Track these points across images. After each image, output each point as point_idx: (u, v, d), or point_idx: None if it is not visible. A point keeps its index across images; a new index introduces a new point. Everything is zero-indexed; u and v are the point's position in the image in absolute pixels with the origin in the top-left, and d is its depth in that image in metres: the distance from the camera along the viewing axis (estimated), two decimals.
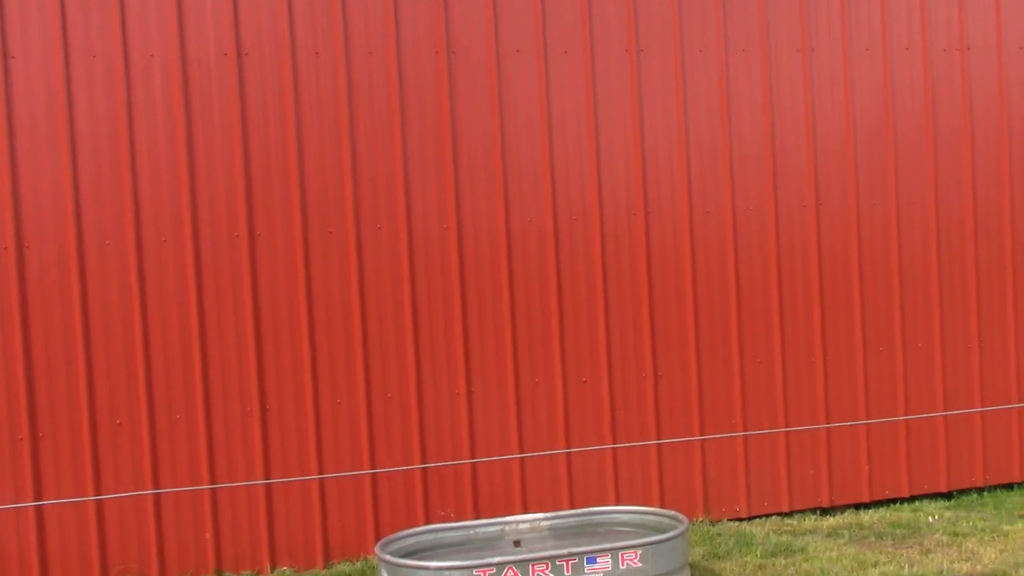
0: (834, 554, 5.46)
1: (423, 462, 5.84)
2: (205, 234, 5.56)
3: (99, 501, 5.37)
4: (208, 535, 5.52)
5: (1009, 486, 7.00)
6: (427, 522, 5.73)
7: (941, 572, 5.06)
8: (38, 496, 5.29)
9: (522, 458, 6.00)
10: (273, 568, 5.61)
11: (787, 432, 6.45)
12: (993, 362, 6.89)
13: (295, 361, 5.67)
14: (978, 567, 5.12)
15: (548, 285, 6.08)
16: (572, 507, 5.98)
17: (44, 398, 5.32)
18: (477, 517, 5.79)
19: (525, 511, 5.88)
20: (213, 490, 5.52)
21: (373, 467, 5.77)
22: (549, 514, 5.42)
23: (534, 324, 6.05)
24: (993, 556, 5.33)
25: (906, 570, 5.07)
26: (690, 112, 6.34)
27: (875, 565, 5.21)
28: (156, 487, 5.46)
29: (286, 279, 5.66)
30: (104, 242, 5.41)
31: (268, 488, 5.61)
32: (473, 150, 5.98)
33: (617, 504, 5.97)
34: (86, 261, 5.38)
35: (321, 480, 5.68)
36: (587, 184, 6.17)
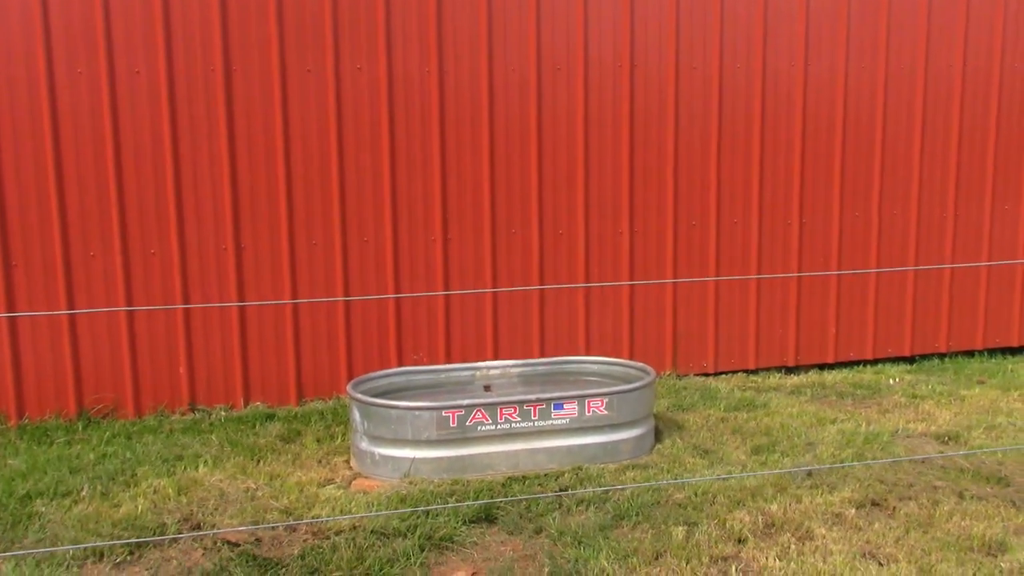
0: (795, 410, 5.60)
1: (397, 291, 5.89)
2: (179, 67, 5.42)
3: (73, 331, 5.39)
4: (182, 369, 5.57)
5: (970, 353, 7.17)
6: (400, 366, 5.80)
7: (897, 431, 5.20)
8: (11, 309, 5.30)
9: (495, 305, 6.05)
10: (247, 403, 5.70)
11: (759, 282, 6.50)
12: (967, 227, 6.95)
13: (271, 198, 5.61)
14: (933, 427, 5.26)
15: (528, 135, 6.00)
16: (543, 357, 6.07)
17: (16, 224, 5.28)
18: (449, 362, 5.88)
19: (497, 359, 5.97)
20: (187, 325, 5.55)
21: (348, 307, 5.80)
22: (519, 361, 5.50)
23: (513, 176, 6.00)
24: (948, 418, 5.49)
25: (863, 428, 5.21)
26: None
27: (833, 422, 5.35)
28: (130, 318, 5.47)
29: (263, 114, 5.56)
30: (76, 71, 5.26)
31: (242, 322, 5.64)
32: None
33: (587, 355, 6.07)
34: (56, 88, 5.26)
35: (295, 315, 5.71)
36: (573, 39, 6.02)
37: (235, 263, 5.58)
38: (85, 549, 3.55)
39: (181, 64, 5.40)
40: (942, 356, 7.08)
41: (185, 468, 4.53)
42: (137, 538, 3.65)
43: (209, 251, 5.55)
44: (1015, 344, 7.22)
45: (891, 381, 6.44)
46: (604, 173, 6.18)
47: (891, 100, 6.66)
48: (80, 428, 5.26)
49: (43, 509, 4.00)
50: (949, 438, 5.09)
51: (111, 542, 3.60)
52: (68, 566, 3.45)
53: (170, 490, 4.21)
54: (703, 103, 6.31)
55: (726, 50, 6.30)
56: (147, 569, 3.48)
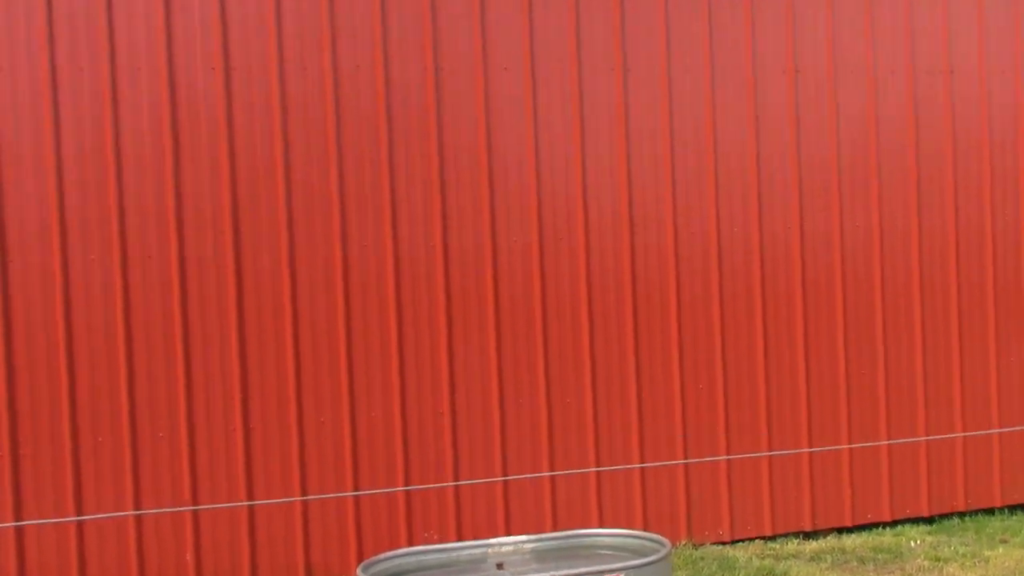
0: None
1: (406, 484, 5.81)
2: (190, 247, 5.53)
3: (80, 522, 5.31)
4: (189, 556, 5.47)
5: (990, 511, 7.03)
6: (410, 545, 5.69)
7: None
8: (18, 516, 5.22)
9: (505, 481, 5.98)
10: None
11: (770, 456, 6.45)
12: (974, 387, 6.93)
13: (279, 378, 5.63)
14: None
15: (533, 304, 6.07)
16: (556, 530, 5.95)
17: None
18: (460, 540, 5.77)
19: (509, 534, 5.86)
20: (194, 512, 5.47)
21: (356, 487, 5.74)
22: (532, 536, 5.38)
23: (519, 345, 6.04)
24: None
25: None
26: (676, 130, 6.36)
27: None
28: (137, 507, 5.40)
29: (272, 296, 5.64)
30: (89, 257, 5.37)
31: (250, 509, 5.56)
32: (460, 167, 5.98)
33: (600, 527, 5.95)
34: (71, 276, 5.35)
35: (304, 499, 5.64)
36: (572, 200, 6.16)
37: (243, 443, 5.56)
38: None
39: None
40: (962, 515, 6.94)
41: None
42: None
43: (219, 432, 5.53)
44: None
45: (912, 543, 6.30)
46: (610, 342, 6.21)
47: (887, 257, 6.75)
48: None
49: None
50: None
51: None
52: None
53: None
54: (703, 265, 6.39)
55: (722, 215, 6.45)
56: None
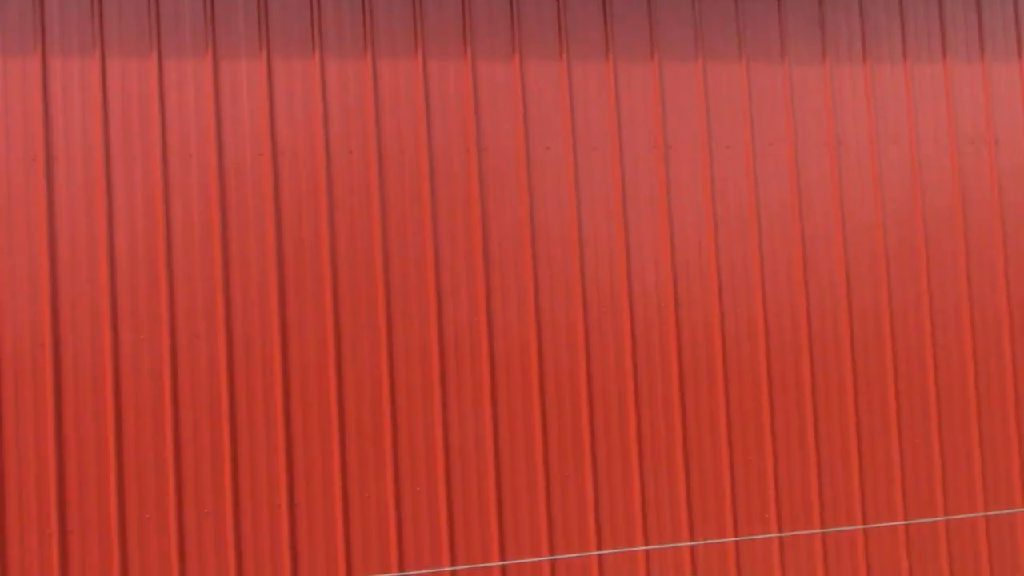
0: None
1: (453, 558, 5.78)
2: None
3: None
4: None
5: None
6: None
7: None
8: None
9: (553, 564, 5.92)
10: None
11: (823, 536, 6.32)
12: None
13: (324, 456, 5.66)
14: None
15: (578, 384, 6.07)
16: None
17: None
18: None
19: None
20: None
21: (401, 553, 5.72)
22: None
23: (565, 426, 6.03)
24: None
25: None
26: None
27: None
28: (182, 567, 5.45)
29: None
30: (139, 337, 5.48)
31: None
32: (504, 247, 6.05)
33: None
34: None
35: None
36: (617, 281, 6.18)
37: (288, 519, 5.57)
38: None
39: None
40: None
41: None
42: None
43: (263, 511, 5.55)
44: None
45: None
46: (658, 436, 6.18)
47: (939, 337, 6.67)
48: None
49: None
50: None
51: None
52: None
53: None
54: (751, 356, 6.36)
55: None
56: None
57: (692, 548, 6.13)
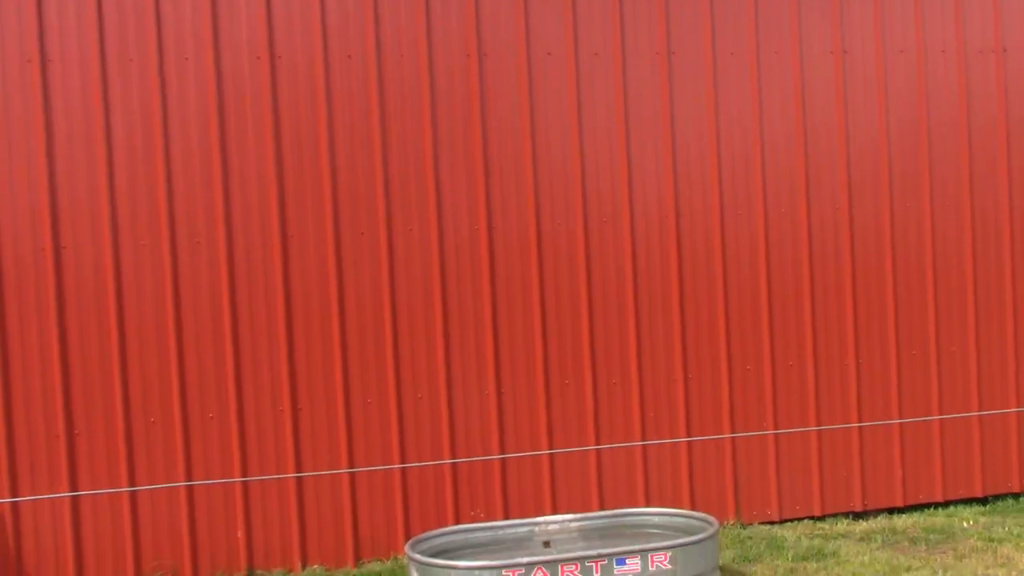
0: (866, 558, 5.41)
1: (453, 452, 5.87)
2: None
3: (134, 500, 5.43)
4: (240, 533, 5.56)
5: None
6: (457, 523, 5.73)
7: None
8: (74, 487, 5.35)
9: (552, 461, 6.00)
10: (304, 566, 5.65)
11: (819, 433, 6.39)
12: None
13: (326, 361, 5.71)
14: (1014, 572, 5.06)
15: (578, 287, 6.08)
16: (602, 509, 5.96)
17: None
18: (507, 518, 5.80)
19: (555, 513, 5.87)
20: (245, 487, 5.56)
21: (403, 456, 5.80)
22: (579, 515, 5.42)
23: (564, 326, 6.06)
24: None
25: (940, 575, 5.01)
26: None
27: (908, 570, 5.16)
28: (188, 473, 5.51)
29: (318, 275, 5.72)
30: (140, 243, 5.48)
31: (299, 486, 5.64)
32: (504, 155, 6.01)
33: (647, 506, 5.95)
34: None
35: (352, 478, 5.70)
36: (618, 191, 6.16)
37: (292, 424, 5.64)
38: None
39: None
40: (1016, 496, 6.82)
41: None
42: None
43: (266, 412, 5.62)
44: None
45: (965, 524, 6.21)
46: (656, 325, 6.21)
47: (938, 235, 6.66)
48: None
49: None
50: None
51: None
52: None
53: None
54: (750, 249, 6.37)
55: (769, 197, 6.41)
56: None
57: (689, 443, 6.22)
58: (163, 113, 5.50)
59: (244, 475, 5.58)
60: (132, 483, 5.43)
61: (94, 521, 5.38)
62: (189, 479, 5.50)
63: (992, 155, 6.77)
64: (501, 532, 5.27)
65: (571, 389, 6.05)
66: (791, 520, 6.39)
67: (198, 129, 5.56)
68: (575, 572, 4.45)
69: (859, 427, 6.48)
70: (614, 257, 6.16)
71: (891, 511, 6.58)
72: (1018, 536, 5.82)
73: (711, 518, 5.02)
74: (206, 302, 5.56)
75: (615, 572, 4.49)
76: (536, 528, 5.29)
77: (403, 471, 5.79)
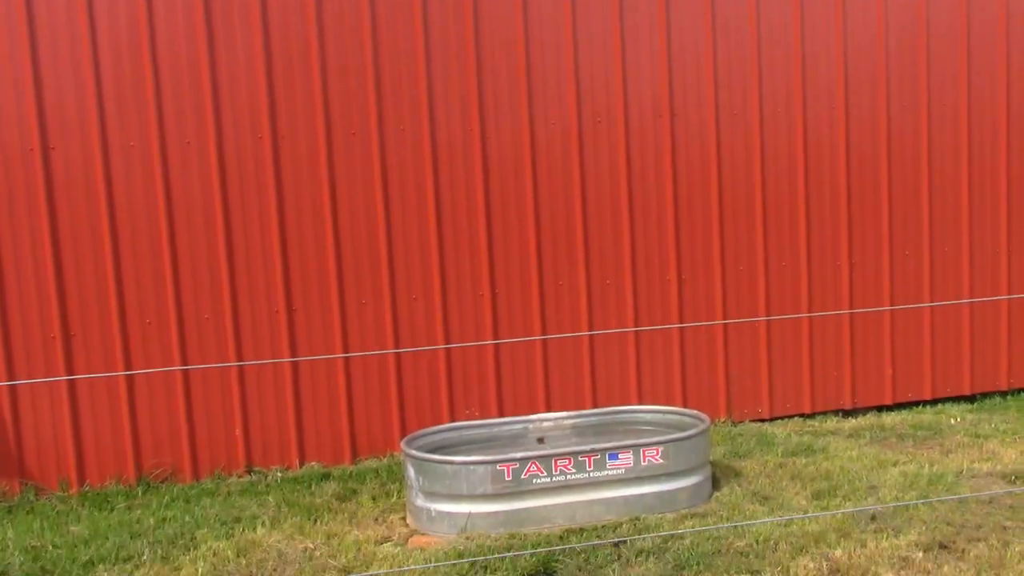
0: (854, 453, 5.51)
1: (447, 358, 5.91)
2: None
3: (132, 400, 5.48)
4: (238, 432, 5.63)
5: None
6: (452, 421, 5.81)
7: (961, 471, 5.09)
8: (71, 387, 5.39)
9: (545, 354, 6.05)
10: (302, 464, 5.74)
11: (811, 329, 6.44)
12: (1021, 259, 6.85)
13: (320, 259, 5.70)
14: (999, 467, 5.14)
15: (572, 187, 6.05)
16: (595, 408, 6.04)
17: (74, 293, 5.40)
18: (501, 416, 5.87)
19: (549, 411, 5.95)
20: (242, 387, 5.61)
21: (399, 365, 5.84)
22: (572, 413, 5.48)
23: (558, 228, 6.04)
24: (1014, 456, 5.36)
25: (926, 469, 5.10)
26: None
27: (895, 464, 5.25)
28: (186, 382, 5.56)
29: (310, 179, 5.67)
30: (128, 143, 5.41)
31: (296, 384, 5.70)
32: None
33: (640, 404, 6.03)
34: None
35: (348, 376, 5.75)
36: (612, 88, 6.08)
37: (287, 323, 5.66)
38: None
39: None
40: (1004, 394, 6.93)
41: (243, 530, 4.55)
42: None
43: (261, 312, 5.63)
44: None
45: (952, 421, 6.31)
46: (649, 223, 6.20)
47: (935, 136, 6.62)
48: (140, 493, 5.32)
49: (105, 574, 4.04)
50: (1016, 477, 4.96)
51: None
52: None
53: (229, 552, 4.22)
54: (744, 149, 6.32)
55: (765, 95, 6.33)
56: None
57: (681, 330, 6.27)
58: (148, 10, 5.37)
59: (240, 372, 5.61)
60: (129, 381, 5.46)
61: (93, 420, 5.43)
62: (186, 376, 5.54)
63: (991, 52, 6.68)
64: (496, 429, 5.34)
65: (565, 290, 6.06)
66: (781, 418, 6.49)
67: (185, 28, 5.44)
68: (568, 467, 4.53)
69: (850, 315, 6.52)
70: (608, 158, 6.11)
71: (880, 409, 6.68)
72: (1004, 432, 5.92)
73: (702, 415, 5.08)
74: (198, 203, 5.51)
75: (608, 466, 4.56)
76: (530, 425, 5.36)
77: (398, 365, 5.83)
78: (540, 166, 6.00)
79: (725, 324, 6.33)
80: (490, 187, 5.92)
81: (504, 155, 5.93)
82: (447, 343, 5.91)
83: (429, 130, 5.80)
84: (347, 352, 5.78)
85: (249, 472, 5.66)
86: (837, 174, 6.47)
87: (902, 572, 3.74)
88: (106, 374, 5.41)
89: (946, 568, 3.75)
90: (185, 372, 5.55)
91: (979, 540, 4.03)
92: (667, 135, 6.18)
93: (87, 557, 4.22)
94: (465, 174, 5.88)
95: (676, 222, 6.23)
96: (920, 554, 3.90)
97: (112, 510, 5.03)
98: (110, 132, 5.38)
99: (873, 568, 3.76)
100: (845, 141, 6.46)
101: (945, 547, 3.98)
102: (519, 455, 4.52)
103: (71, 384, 5.39)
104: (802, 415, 6.53)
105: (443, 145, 5.83)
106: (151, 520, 4.77)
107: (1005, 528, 4.16)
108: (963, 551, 3.93)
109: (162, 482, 5.51)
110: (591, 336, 6.11)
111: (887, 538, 4.06)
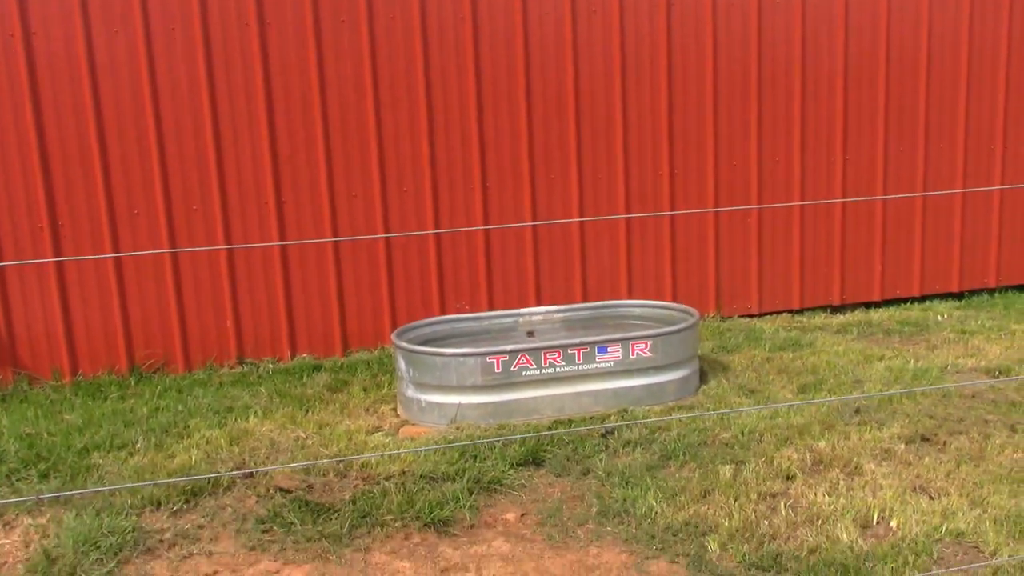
0: (841, 348, 5.56)
1: (437, 247, 5.90)
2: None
3: (122, 290, 5.46)
4: (229, 323, 5.64)
5: (1021, 288, 7.05)
6: (443, 315, 5.82)
7: (946, 366, 5.15)
8: (60, 275, 5.38)
9: (536, 254, 6.04)
10: (294, 356, 5.77)
11: (802, 218, 6.43)
12: (1017, 156, 6.81)
13: (310, 151, 5.63)
14: (983, 362, 5.20)
15: (565, 79, 5.94)
16: (586, 302, 6.05)
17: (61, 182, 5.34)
18: (492, 310, 5.89)
19: (539, 306, 5.97)
20: (232, 279, 5.60)
21: (390, 257, 5.83)
22: (562, 307, 5.50)
23: (551, 119, 5.96)
24: (998, 352, 5.42)
25: (911, 364, 5.16)
26: None
27: (881, 359, 5.30)
28: (176, 273, 5.55)
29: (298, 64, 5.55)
30: (112, 30, 5.28)
31: (286, 275, 5.69)
32: None
33: (630, 299, 6.05)
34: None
35: (338, 270, 5.74)
36: None
37: (276, 215, 5.61)
38: (142, 498, 3.63)
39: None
40: (991, 291, 6.97)
41: (236, 419, 4.61)
42: (193, 487, 3.72)
43: (251, 206, 5.58)
44: None
45: (939, 317, 6.36)
46: (643, 113, 6.11)
47: (935, 27, 6.49)
48: (132, 383, 5.36)
49: (100, 461, 4.10)
50: (1000, 372, 5.03)
51: (168, 480, 3.68)
52: (127, 514, 3.53)
53: (222, 441, 4.28)
54: (742, 32, 6.19)
55: None
56: (203, 516, 3.55)
57: (672, 225, 6.25)
58: None
59: (230, 265, 5.59)
60: (118, 270, 5.44)
61: (84, 311, 5.43)
62: (176, 266, 5.52)
63: None
64: (486, 322, 5.36)
65: (558, 183, 6.01)
66: (770, 313, 6.53)
67: None
68: (558, 359, 4.56)
69: (842, 212, 6.50)
70: (602, 48, 5.98)
71: (868, 305, 6.73)
72: (990, 329, 5.97)
73: (691, 310, 5.10)
74: (184, 89, 5.40)
75: (597, 359, 4.60)
76: (520, 319, 5.38)
77: (389, 258, 5.82)
78: (533, 58, 5.87)
79: (717, 220, 6.30)
80: (482, 77, 5.81)
81: (496, 42, 5.80)
82: (437, 236, 5.88)
83: (419, 15, 5.65)
84: (337, 247, 5.75)
85: (241, 363, 5.69)
86: (835, 64, 6.36)
87: (884, 463, 3.81)
88: (95, 256, 5.38)
89: (927, 460, 3.83)
90: (175, 263, 5.53)
91: (960, 433, 4.10)
92: (663, 29, 6.04)
93: (81, 444, 4.27)
94: (456, 64, 5.76)
95: (670, 113, 6.14)
96: (902, 446, 3.97)
97: (105, 399, 5.07)
98: (92, 17, 5.23)
99: (855, 459, 3.83)
100: (844, 31, 6.32)
101: (927, 439, 4.05)
102: (509, 347, 4.55)
103: (60, 274, 5.37)
104: (791, 311, 6.57)
105: (433, 32, 5.69)
106: (144, 409, 4.82)
107: (986, 422, 4.23)
108: (944, 443, 4.00)
109: (154, 372, 5.55)
110: (582, 231, 6.08)
111: (870, 430, 4.13)
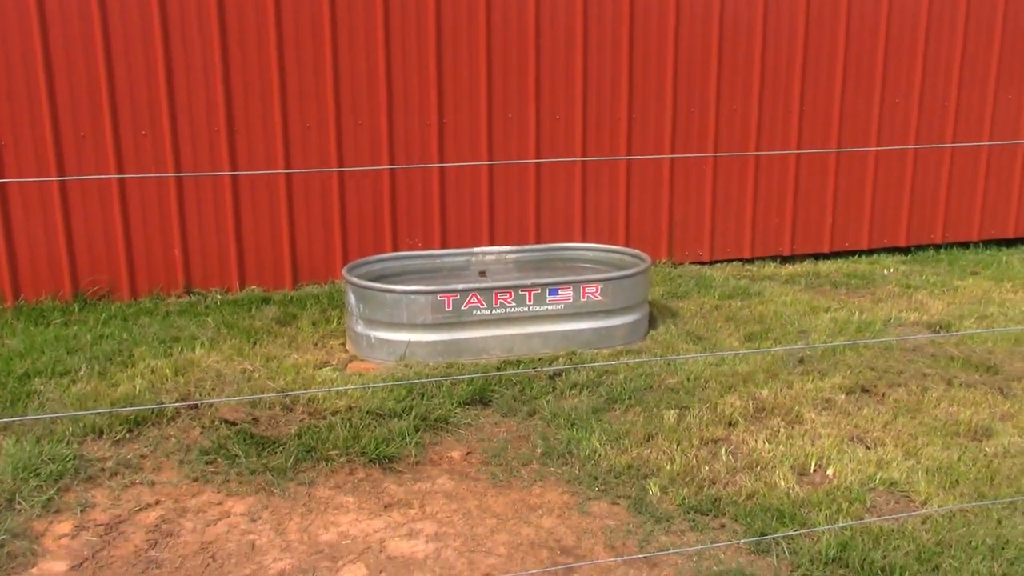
0: (788, 299, 5.63)
1: (392, 186, 5.84)
2: None
3: (66, 211, 5.34)
4: (177, 252, 5.56)
5: (966, 245, 7.18)
6: (395, 251, 5.79)
7: (889, 320, 5.23)
8: (3, 200, 5.25)
9: (491, 194, 6.01)
10: (242, 287, 5.71)
11: (756, 168, 6.46)
12: (969, 115, 6.88)
13: (264, 82, 5.51)
14: (925, 317, 5.30)
15: (526, 15, 5.86)
16: (539, 244, 6.05)
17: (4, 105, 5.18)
18: (445, 248, 5.86)
19: (492, 245, 5.95)
20: (180, 206, 5.50)
21: (343, 191, 5.76)
22: (515, 247, 5.49)
23: (510, 56, 5.89)
24: (941, 308, 5.52)
25: (855, 317, 5.24)
26: None
27: (827, 310, 5.38)
28: (123, 199, 5.43)
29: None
30: None
31: (236, 204, 5.60)
32: None
33: (583, 243, 6.05)
34: None
35: (290, 201, 5.66)
36: None
37: (227, 144, 5.50)
38: (84, 426, 3.59)
39: None
40: (937, 247, 7.09)
41: (182, 350, 4.56)
42: (136, 416, 3.69)
43: (202, 132, 5.47)
44: (1010, 236, 7.23)
45: (885, 271, 6.46)
46: (603, 58, 6.06)
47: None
48: (76, 310, 5.28)
49: (42, 388, 4.04)
50: (941, 327, 5.13)
51: (111, 410, 3.65)
52: (68, 442, 3.50)
53: (167, 371, 4.24)
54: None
55: None
56: (146, 446, 3.53)
57: (628, 171, 6.25)
58: None
59: (179, 192, 5.49)
60: (63, 194, 5.31)
61: (27, 234, 5.30)
62: (123, 192, 5.41)
63: None
64: (438, 260, 5.34)
65: (514, 123, 5.96)
66: (721, 261, 6.59)
67: None
68: (509, 300, 4.56)
69: (796, 162, 6.54)
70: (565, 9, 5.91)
71: (817, 257, 6.81)
72: (933, 284, 6.08)
73: (643, 255, 5.12)
74: (135, 14, 5.24)
75: (548, 301, 4.61)
76: (473, 258, 5.37)
77: (341, 192, 5.75)
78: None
79: (672, 167, 6.30)
80: (441, 10, 5.71)
81: None
82: (391, 149, 5.79)
83: None
84: (290, 177, 5.67)
85: (188, 293, 5.62)
86: (796, 19, 6.34)
87: (824, 413, 3.89)
88: (37, 179, 5.24)
89: (865, 410, 3.91)
90: (122, 188, 5.41)
91: (899, 385, 4.19)
92: None
93: (22, 370, 4.20)
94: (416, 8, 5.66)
95: (630, 60, 6.10)
96: (843, 396, 4.05)
97: (48, 325, 4.99)
98: None
99: (796, 408, 3.90)
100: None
101: (867, 391, 4.14)
102: (460, 286, 4.54)
103: (3, 196, 5.23)
104: (741, 259, 6.63)
105: None
106: (88, 336, 4.75)
107: (925, 375, 4.32)
108: (883, 395, 4.09)
109: (99, 299, 5.46)
110: (538, 173, 6.06)
111: (812, 380, 4.21)
